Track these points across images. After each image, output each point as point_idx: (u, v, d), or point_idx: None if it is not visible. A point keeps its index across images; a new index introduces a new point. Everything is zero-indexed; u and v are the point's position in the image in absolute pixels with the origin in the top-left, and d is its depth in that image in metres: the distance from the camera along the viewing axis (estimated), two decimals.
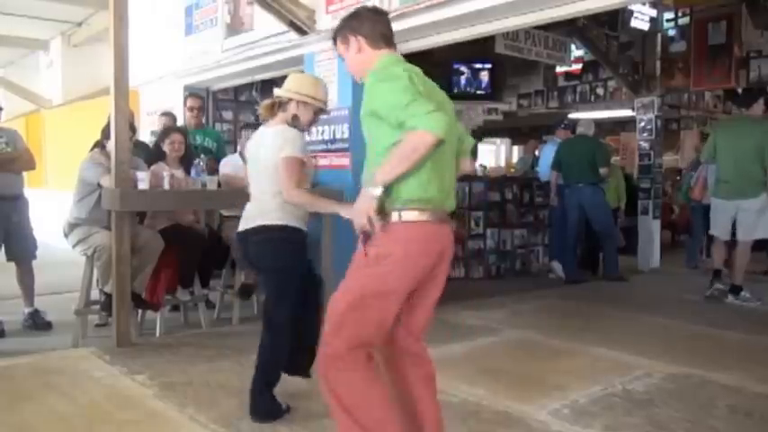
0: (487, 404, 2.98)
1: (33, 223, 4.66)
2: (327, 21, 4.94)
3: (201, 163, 4.52)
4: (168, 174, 4.22)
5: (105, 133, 4.23)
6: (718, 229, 5.59)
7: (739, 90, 7.06)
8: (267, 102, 2.90)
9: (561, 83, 9.22)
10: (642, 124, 7.53)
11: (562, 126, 7.25)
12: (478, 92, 9.11)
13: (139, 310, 4.30)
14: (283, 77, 3.06)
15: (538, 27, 6.43)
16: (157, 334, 4.31)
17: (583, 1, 4.00)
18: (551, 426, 2.74)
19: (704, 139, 7.68)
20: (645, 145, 7.53)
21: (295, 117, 2.83)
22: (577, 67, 8.75)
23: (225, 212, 4.90)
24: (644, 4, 6.99)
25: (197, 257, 4.45)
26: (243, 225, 2.83)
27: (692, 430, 2.74)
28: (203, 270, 4.65)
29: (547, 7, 4.13)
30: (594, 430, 2.70)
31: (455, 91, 8.71)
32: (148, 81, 7.32)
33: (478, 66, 9.03)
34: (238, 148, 5.17)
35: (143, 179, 3.96)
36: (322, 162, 5.08)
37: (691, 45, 7.32)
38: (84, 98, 9.76)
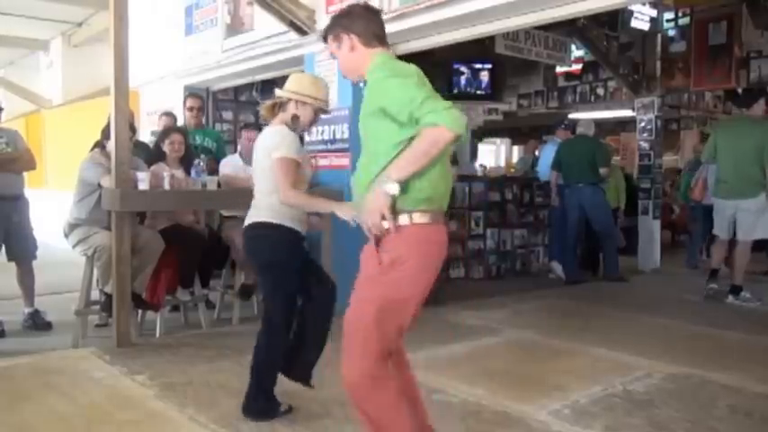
0: (487, 404, 2.97)
1: (33, 223, 4.66)
2: (328, 21, 4.93)
3: (202, 163, 4.52)
4: (168, 174, 4.22)
5: (105, 133, 4.23)
6: (718, 229, 5.61)
7: (739, 90, 7.06)
8: (268, 102, 2.92)
9: (561, 83, 9.23)
10: (642, 124, 7.53)
11: (562, 126, 7.25)
12: (478, 92, 9.10)
13: (139, 311, 4.30)
14: (283, 77, 3.06)
15: (538, 27, 6.43)
16: (157, 334, 4.31)
17: (583, 1, 4.00)
18: (551, 426, 2.74)
19: (704, 140, 7.70)
20: (645, 145, 7.52)
21: (294, 117, 2.83)
22: (577, 67, 8.76)
23: (225, 213, 4.90)
24: (644, 4, 6.99)
25: (197, 258, 4.44)
26: (245, 222, 2.88)
27: (693, 430, 2.74)
28: (203, 270, 4.65)
29: (548, 7, 4.12)
30: (595, 431, 2.70)
31: (455, 91, 8.70)
32: (149, 81, 7.32)
33: (478, 66, 9.02)
34: (238, 148, 5.17)
35: (143, 179, 3.96)
36: (322, 162, 5.09)
37: (691, 45, 7.31)
38: (84, 98, 9.77)
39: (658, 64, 7.46)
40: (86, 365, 3.52)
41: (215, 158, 5.25)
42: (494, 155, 14.48)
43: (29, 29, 10.56)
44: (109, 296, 4.02)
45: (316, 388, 2.86)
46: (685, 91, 8.02)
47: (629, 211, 7.67)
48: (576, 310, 5.27)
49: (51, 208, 6.51)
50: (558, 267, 6.81)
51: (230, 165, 4.89)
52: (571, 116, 8.79)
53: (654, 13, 7.32)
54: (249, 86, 7.31)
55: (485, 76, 9.10)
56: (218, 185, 4.45)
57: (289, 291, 2.79)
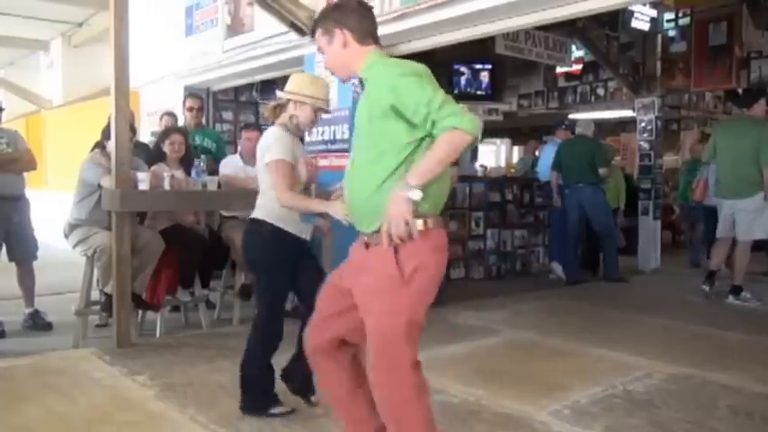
0: (488, 404, 2.97)
1: (34, 224, 4.66)
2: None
3: (202, 164, 4.52)
4: (168, 174, 4.21)
5: (105, 134, 4.23)
6: (719, 229, 5.62)
7: (740, 90, 7.06)
8: (271, 104, 2.93)
9: (561, 83, 9.21)
10: (642, 125, 7.53)
11: (562, 127, 7.25)
12: (479, 92, 9.11)
13: (140, 311, 4.30)
14: (284, 78, 3.06)
15: (538, 28, 6.42)
16: (158, 334, 4.31)
17: (584, 1, 4.00)
18: (552, 426, 2.74)
19: (703, 140, 7.70)
20: (645, 145, 7.52)
21: (291, 117, 2.83)
22: (578, 67, 8.74)
23: (225, 213, 4.90)
24: (644, 4, 6.98)
25: (197, 258, 4.45)
26: None
27: (693, 431, 2.74)
28: (203, 270, 4.65)
29: (548, 7, 4.12)
30: (595, 431, 2.70)
31: (455, 91, 8.71)
32: (149, 82, 7.32)
33: (479, 66, 9.03)
34: (238, 148, 5.17)
35: (143, 180, 3.96)
36: (322, 163, 5.08)
37: (691, 45, 7.31)
38: (84, 99, 9.78)
39: (659, 64, 7.46)
40: (86, 366, 3.52)
41: (214, 159, 5.25)
42: (494, 155, 14.49)
43: (29, 29, 10.58)
44: (109, 296, 4.02)
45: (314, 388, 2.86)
46: (686, 91, 8.01)
47: (629, 212, 7.67)
48: (576, 310, 5.27)
49: (52, 208, 6.51)
50: (558, 268, 6.81)
51: (230, 165, 4.89)
52: (571, 116, 8.78)
53: (654, 13, 7.32)
54: (249, 87, 7.31)
55: (485, 77, 9.12)
56: (219, 186, 4.45)
57: (274, 288, 2.79)
